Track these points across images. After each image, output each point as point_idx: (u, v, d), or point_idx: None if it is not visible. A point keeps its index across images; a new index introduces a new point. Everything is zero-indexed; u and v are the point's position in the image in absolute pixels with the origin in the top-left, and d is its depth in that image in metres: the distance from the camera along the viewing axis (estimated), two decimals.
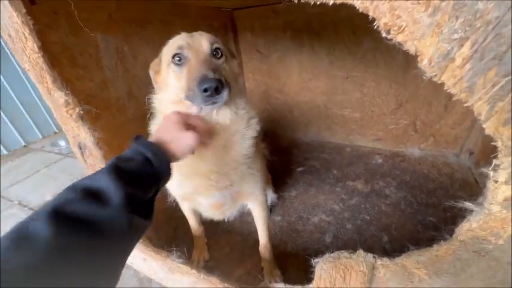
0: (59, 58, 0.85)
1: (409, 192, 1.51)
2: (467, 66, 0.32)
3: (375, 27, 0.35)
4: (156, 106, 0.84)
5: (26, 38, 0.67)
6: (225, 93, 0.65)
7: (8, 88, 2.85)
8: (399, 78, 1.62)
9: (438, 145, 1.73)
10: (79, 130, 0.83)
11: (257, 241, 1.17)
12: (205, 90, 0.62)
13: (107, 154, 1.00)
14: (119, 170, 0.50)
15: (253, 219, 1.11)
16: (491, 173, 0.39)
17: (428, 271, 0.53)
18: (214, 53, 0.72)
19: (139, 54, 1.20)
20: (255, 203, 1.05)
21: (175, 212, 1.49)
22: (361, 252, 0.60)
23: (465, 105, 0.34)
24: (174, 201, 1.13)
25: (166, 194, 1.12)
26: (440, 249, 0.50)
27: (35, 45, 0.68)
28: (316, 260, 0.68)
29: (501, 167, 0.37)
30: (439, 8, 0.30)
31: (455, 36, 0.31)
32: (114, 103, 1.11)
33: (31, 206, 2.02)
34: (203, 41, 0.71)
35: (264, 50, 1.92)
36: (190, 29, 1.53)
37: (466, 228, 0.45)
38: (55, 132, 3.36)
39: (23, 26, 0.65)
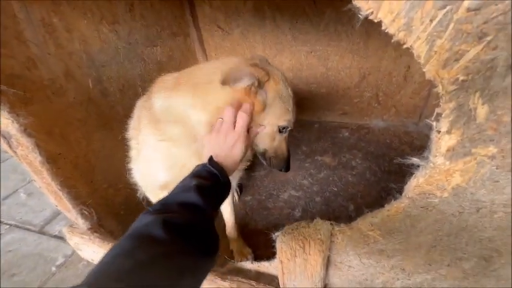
0: None
1: (374, 162, 1.57)
2: None
3: None
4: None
5: None
6: None
7: None
8: (361, 50, 1.62)
9: (399, 115, 1.79)
10: None
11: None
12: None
13: (47, 144, 0.88)
14: (202, 189, 0.55)
15: None
16: (434, 124, 0.37)
17: (382, 231, 0.53)
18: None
19: (75, 27, 1.05)
20: None
21: (138, 205, 1.40)
22: (318, 220, 0.59)
23: (405, 46, 0.31)
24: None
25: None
26: (391, 209, 0.49)
27: None
28: (276, 233, 0.66)
29: (443, 115, 0.35)
30: None
31: None
32: (48, 85, 0.96)
33: None
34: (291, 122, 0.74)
35: (226, 26, 1.80)
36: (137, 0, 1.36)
37: (413, 185, 0.45)
38: None
39: None
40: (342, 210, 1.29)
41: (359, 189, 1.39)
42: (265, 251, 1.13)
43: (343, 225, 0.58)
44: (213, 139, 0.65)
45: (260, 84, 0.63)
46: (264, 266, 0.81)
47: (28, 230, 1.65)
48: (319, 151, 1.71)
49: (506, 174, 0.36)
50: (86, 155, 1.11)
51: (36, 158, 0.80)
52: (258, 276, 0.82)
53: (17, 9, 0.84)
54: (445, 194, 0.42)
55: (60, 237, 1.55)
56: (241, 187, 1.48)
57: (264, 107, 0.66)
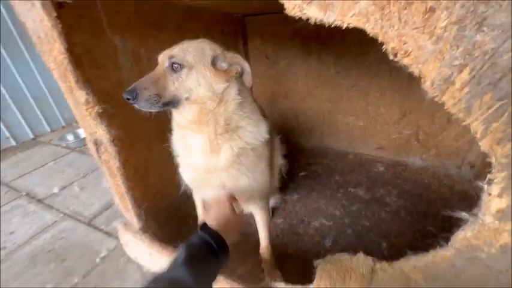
0: (81, 59, 0.89)
1: (410, 201, 1.54)
2: (466, 89, 0.35)
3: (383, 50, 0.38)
4: None
5: (54, 40, 0.72)
6: (139, 104, 0.79)
7: (20, 81, 2.92)
8: (403, 89, 1.66)
9: (440, 156, 1.75)
10: (96, 128, 0.88)
11: (258, 242, 1.20)
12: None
13: (120, 151, 1.04)
14: (192, 261, 0.61)
15: (254, 221, 1.15)
16: (486, 186, 0.42)
17: (424, 276, 0.56)
18: (174, 66, 0.81)
19: (154, 56, 1.25)
20: (255, 208, 1.10)
21: (178, 211, 1.53)
22: (361, 255, 0.64)
23: (463, 124, 0.38)
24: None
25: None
26: (436, 256, 0.53)
27: (62, 47, 0.73)
28: (317, 261, 0.71)
29: (495, 181, 0.40)
30: (441, 37, 0.34)
31: (456, 62, 0.34)
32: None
33: (39, 198, 2.07)
34: (165, 56, 0.84)
35: (273, 57, 1.96)
36: (202, 33, 1.58)
37: (461, 237, 0.49)
38: (63, 127, 3.42)
39: (53, 29, 0.70)
40: (374, 246, 1.28)
41: (393, 228, 1.37)
42: (294, 276, 1.17)
43: (385, 263, 0.62)
44: None
45: None
46: None
47: (78, 220, 1.85)
48: (352, 183, 1.72)
49: None
50: (145, 162, 1.27)
51: (115, 163, 0.96)
52: None
53: (118, 43, 1.05)
54: (493, 250, 0.46)
55: (106, 232, 1.72)
56: (272, 210, 1.54)
57: None
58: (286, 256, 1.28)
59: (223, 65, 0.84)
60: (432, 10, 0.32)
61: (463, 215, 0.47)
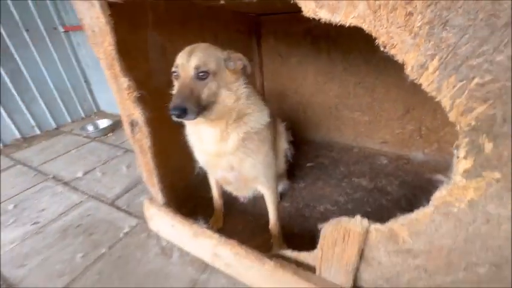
0: (121, 51, 1.04)
1: (410, 191, 1.64)
2: (436, 73, 0.47)
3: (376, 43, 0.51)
4: None
5: (106, 33, 0.87)
6: (188, 117, 0.85)
7: (46, 75, 3.14)
8: (408, 86, 1.75)
9: (442, 151, 1.84)
10: (134, 110, 1.02)
11: (267, 222, 1.33)
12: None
13: (151, 131, 1.19)
14: None
15: (265, 202, 1.29)
16: (455, 151, 0.54)
17: (410, 232, 0.68)
18: (200, 74, 0.90)
19: (178, 50, 1.39)
20: (263, 188, 1.23)
21: (195, 192, 1.68)
22: (358, 217, 0.76)
23: (435, 100, 0.50)
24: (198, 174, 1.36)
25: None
26: (419, 214, 0.65)
27: (112, 40, 0.88)
28: (321, 225, 0.84)
29: (460, 146, 0.52)
30: (418, 34, 0.46)
31: (429, 52, 0.46)
32: (155, 90, 1.30)
33: (65, 181, 2.26)
34: (191, 64, 0.90)
35: (285, 54, 2.09)
36: (221, 31, 1.72)
37: (438, 196, 0.61)
38: (82, 118, 3.64)
39: (106, 24, 0.85)
40: None
41: (393, 215, 1.47)
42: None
43: (378, 224, 0.74)
44: None
45: None
46: (303, 256, 0.98)
47: (102, 201, 2.01)
48: (356, 174, 1.83)
49: (508, 193, 0.51)
50: (168, 145, 1.41)
51: (147, 143, 1.10)
52: (297, 264, 0.99)
53: (149, 37, 1.20)
54: (462, 205, 0.57)
55: (127, 211, 1.88)
56: (280, 195, 1.66)
57: None
58: (293, 235, 1.40)
59: (231, 64, 0.96)
60: (411, 14, 0.44)
61: (439, 177, 0.59)
